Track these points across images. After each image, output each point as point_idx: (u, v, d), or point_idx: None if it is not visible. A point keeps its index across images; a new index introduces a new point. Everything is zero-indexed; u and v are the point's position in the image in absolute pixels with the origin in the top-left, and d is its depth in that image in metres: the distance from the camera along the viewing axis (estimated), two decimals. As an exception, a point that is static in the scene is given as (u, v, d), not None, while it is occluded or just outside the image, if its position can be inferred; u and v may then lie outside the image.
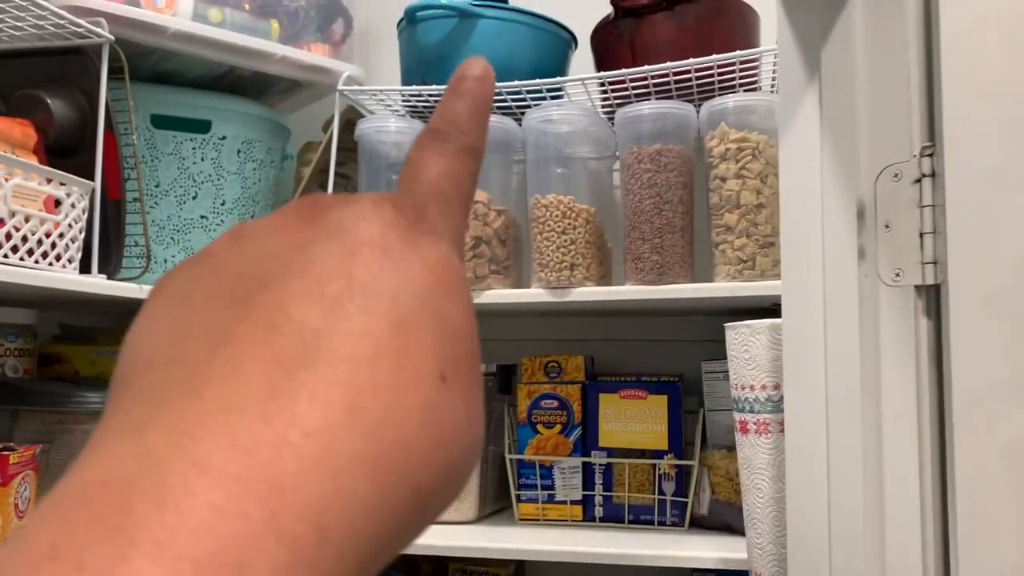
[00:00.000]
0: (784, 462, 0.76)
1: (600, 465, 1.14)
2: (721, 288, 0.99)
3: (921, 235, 0.58)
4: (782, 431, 0.76)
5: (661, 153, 1.04)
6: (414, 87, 1.14)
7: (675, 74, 1.07)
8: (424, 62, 1.16)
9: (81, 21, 0.95)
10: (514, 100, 1.15)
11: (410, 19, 1.17)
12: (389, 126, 1.14)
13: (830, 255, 0.64)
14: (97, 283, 0.98)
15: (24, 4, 0.90)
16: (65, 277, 0.93)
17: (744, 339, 0.78)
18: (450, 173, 0.23)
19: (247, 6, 1.12)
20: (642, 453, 1.13)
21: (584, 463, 1.14)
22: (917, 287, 0.58)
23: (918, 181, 0.58)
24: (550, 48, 1.19)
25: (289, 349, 0.17)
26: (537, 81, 1.10)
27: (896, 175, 0.60)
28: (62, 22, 0.94)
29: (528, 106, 1.15)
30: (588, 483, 1.14)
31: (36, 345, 1.15)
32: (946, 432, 0.54)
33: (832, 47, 0.64)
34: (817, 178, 0.65)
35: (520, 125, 1.13)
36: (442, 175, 0.22)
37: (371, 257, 0.19)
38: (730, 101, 1.03)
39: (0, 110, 1.01)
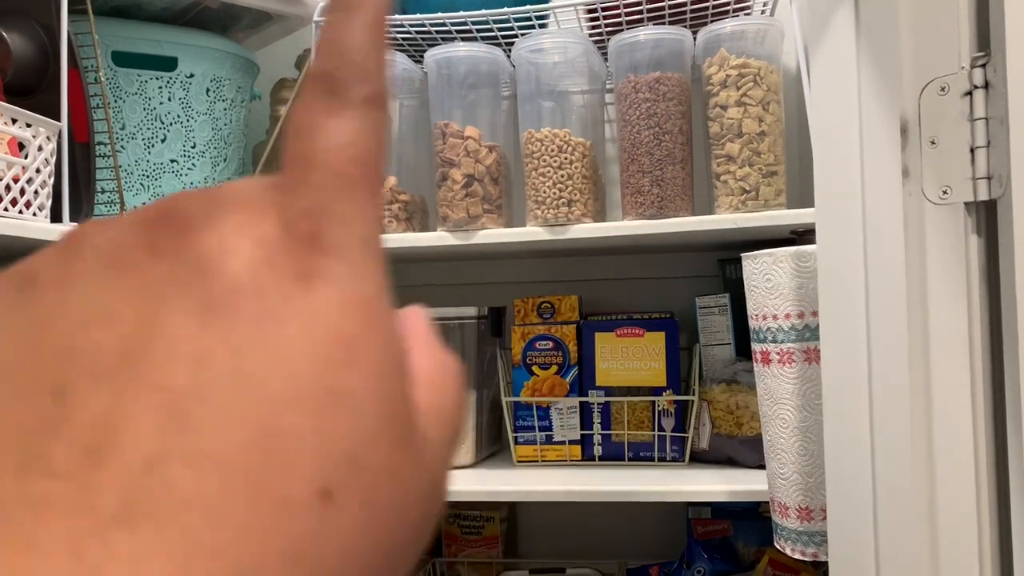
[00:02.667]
0: (809, 392, 0.74)
1: (598, 404, 1.12)
2: (725, 219, 0.97)
3: (972, 150, 0.56)
4: (807, 360, 0.75)
5: (660, 81, 1.01)
6: (394, 17, 1.08)
7: (670, -1, 1.03)
8: (404, -9, 1.10)
9: (36, -55, 0.87)
10: (501, 30, 1.10)
11: (387, -55, 1.11)
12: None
13: (870, 175, 0.62)
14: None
15: (-28, -75, 0.81)
16: (36, 226, 0.87)
17: (766, 268, 0.76)
18: (355, 143, 0.16)
19: (212, -69, 1.04)
20: (639, 391, 1.11)
21: (582, 403, 1.12)
22: (967, 204, 0.56)
23: (968, 94, 0.56)
24: (535, -25, 1.14)
25: (108, 490, 0.13)
26: (527, 8, 1.05)
27: (943, 88, 0.57)
28: (15, -54, 0.86)
29: (516, 35, 1.10)
30: (586, 423, 1.13)
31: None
32: (1005, 355, 0.53)
33: (870, -45, 0.61)
34: (854, 94, 0.62)
35: (508, 56, 1.08)
36: (345, 148, 0.16)
37: (235, 320, 0.14)
38: (728, 26, 1.00)
39: (-52, 46, 0.92)
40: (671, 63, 1.01)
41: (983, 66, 0.55)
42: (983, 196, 0.55)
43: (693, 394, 1.09)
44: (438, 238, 1.05)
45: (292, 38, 1.26)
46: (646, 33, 1.01)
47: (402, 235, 1.06)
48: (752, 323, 0.79)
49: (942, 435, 0.58)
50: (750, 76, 0.98)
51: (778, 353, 0.75)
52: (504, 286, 1.33)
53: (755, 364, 0.80)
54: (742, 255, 0.81)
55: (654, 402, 1.10)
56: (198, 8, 1.12)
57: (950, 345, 0.58)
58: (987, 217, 0.57)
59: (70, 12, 0.94)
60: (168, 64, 1.11)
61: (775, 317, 0.75)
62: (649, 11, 1.05)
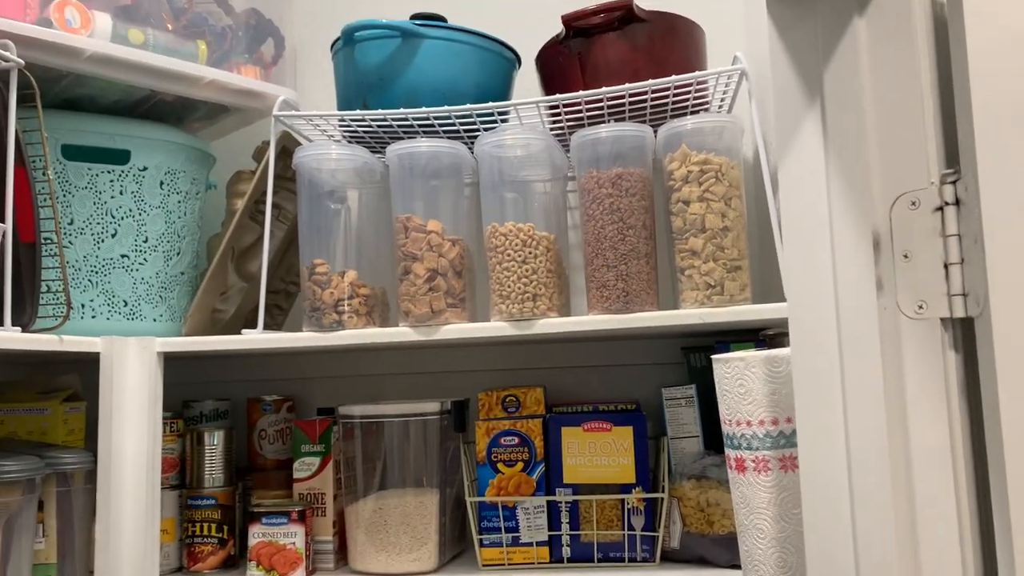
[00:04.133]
0: (787, 500, 0.72)
1: (566, 503, 1.09)
2: (692, 315, 0.96)
3: (946, 266, 0.56)
4: (783, 468, 0.73)
5: (622, 177, 1.01)
6: (357, 112, 1.07)
7: (631, 95, 1.04)
8: (365, 85, 1.10)
9: (-14, 44, 0.85)
10: (463, 124, 1.10)
11: (347, 39, 1.11)
12: (331, 153, 1.07)
13: (843, 286, 0.61)
14: (10, 337, 0.87)
15: (-82, 24, 0.79)
16: (-25, 332, 0.82)
17: (738, 373, 0.74)
18: None
19: (170, 26, 1.03)
20: (607, 488, 1.08)
21: (549, 502, 1.09)
22: (943, 320, 0.56)
23: (939, 209, 0.56)
24: (495, 68, 1.14)
25: None
26: (490, 104, 1.05)
27: (913, 203, 0.58)
28: (-37, 45, 0.83)
29: (477, 130, 1.09)
30: (554, 522, 1.09)
31: (-67, 406, 1.02)
32: (990, 471, 0.52)
33: (835, 68, 0.62)
34: (824, 205, 0.62)
35: (470, 150, 1.07)
36: None
37: None
38: (688, 123, 1.01)
39: None
40: (633, 158, 1.02)
41: (953, 183, 0.55)
42: (959, 313, 0.55)
43: (663, 491, 1.07)
44: (400, 333, 1.02)
45: (251, 128, 1.24)
46: (607, 129, 1.02)
47: (362, 331, 1.03)
48: (725, 428, 0.77)
49: (928, 550, 0.57)
50: (712, 172, 0.99)
51: (753, 461, 0.74)
52: (467, 375, 1.30)
53: (729, 471, 0.78)
54: (713, 357, 0.79)
55: (623, 500, 1.08)
56: (153, 100, 1.10)
57: (933, 460, 0.56)
58: (964, 332, 0.56)
59: (19, 105, 0.91)
60: (120, 157, 1.08)
61: (748, 423, 0.74)
62: (610, 107, 1.06)
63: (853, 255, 0.60)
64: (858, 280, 0.60)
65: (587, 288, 1.03)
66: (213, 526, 1.16)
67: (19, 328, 0.90)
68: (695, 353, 1.18)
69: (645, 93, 1.04)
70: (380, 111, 1.06)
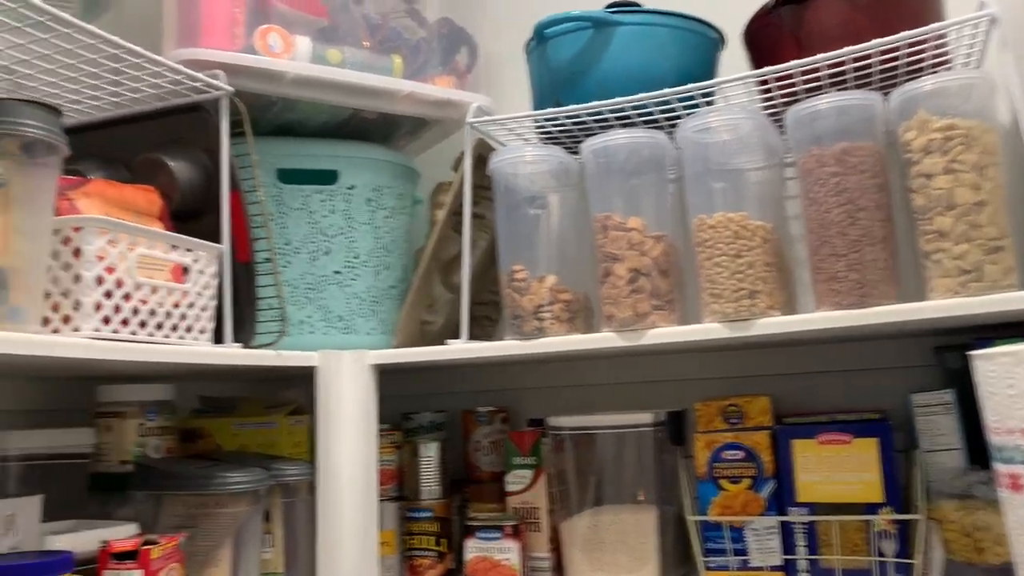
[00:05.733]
0: (1083, 528, 0.58)
1: (801, 524, 0.97)
2: (942, 307, 0.82)
3: None
4: (1076, 487, 0.58)
5: (848, 152, 0.89)
6: (548, 111, 1.03)
7: (854, 60, 0.91)
8: (557, 82, 1.05)
9: (198, 74, 0.90)
10: (662, 112, 1.02)
11: (539, 37, 1.07)
12: (524, 156, 1.03)
13: None
14: (232, 353, 0.91)
15: (139, 62, 0.84)
16: (197, 350, 0.86)
17: (1006, 371, 0.61)
18: None
19: (366, 43, 1.04)
20: (850, 508, 0.95)
21: (782, 523, 0.98)
22: None
23: None
24: (696, 50, 1.06)
25: None
26: (690, 86, 0.96)
27: None
28: (179, 77, 0.89)
29: (678, 116, 1.01)
30: (788, 546, 0.98)
31: (176, 421, 1.10)
32: None
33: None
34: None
35: (671, 138, 1.00)
36: None
37: None
38: (927, 84, 0.87)
39: (125, 177, 0.96)
40: (860, 131, 0.89)
41: None
42: None
43: (918, 512, 0.92)
44: (603, 339, 0.96)
45: (452, 140, 1.24)
46: (827, 101, 0.90)
47: (564, 338, 0.98)
48: (993, 438, 0.64)
49: None
50: (958, 139, 0.84)
51: (1033, 478, 0.60)
52: (683, 384, 1.22)
53: (1000, 489, 0.64)
54: (972, 354, 0.66)
55: (869, 522, 0.94)
56: (356, 120, 1.12)
57: None
58: None
59: (233, 136, 0.95)
60: (329, 177, 1.11)
61: (1023, 432, 0.60)
62: (829, 76, 0.94)
63: None
64: None
65: (813, 282, 0.91)
66: (431, 539, 1.16)
67: (240, 344, 0.94)
68: (951, 352, 1.02)
69: (870, 56, 0.91)
70: (572, 107, 1.01)
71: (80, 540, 0.83)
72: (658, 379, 1.24)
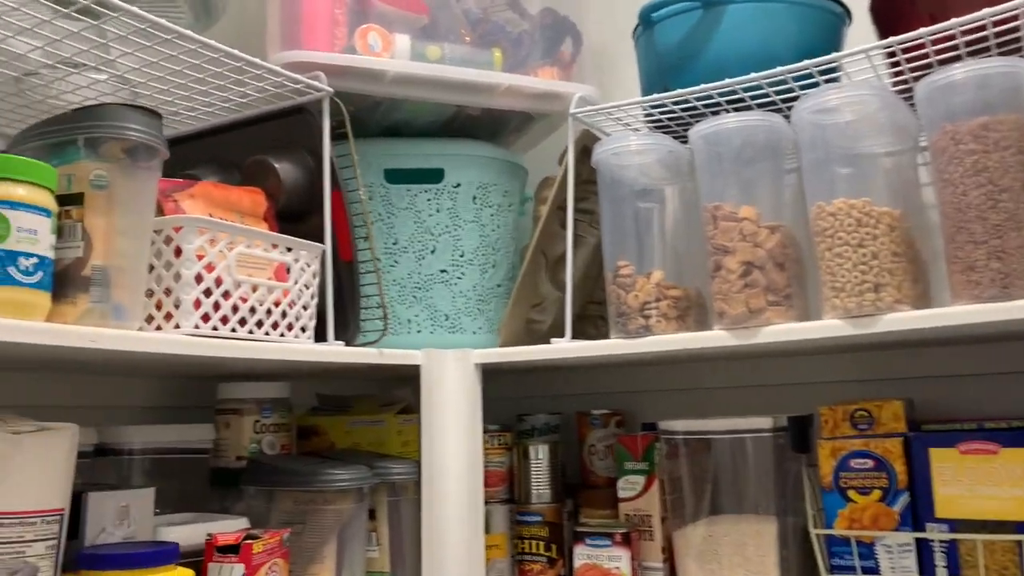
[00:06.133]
0: None
1: (941, 543, 0.87)
2: (1104, 298, 0.71)
3: None
4: None
5: (987, 127, 0.79)
6: (652, 97, 0.98)
7: (995, 24, 0.81)
8: (664, 67, 1.00)
9: (299, 76, 0.91)
10: (779, 93, 0.95)
11: (645, 22, 1.02)
12: (629, 145, 0.99)
13: None
14: (333, 351, 0.92)
15: (242, 67, 0.86)
16: (297, 347, 0.87)
17: None
18: None
19: (467, 39, 1.03)
20: (999, 526, 0.85)
21: (918, 540, 0.88)
22: None
23: None
24: (817, 26, 0.98)
25: None
26: (806, 63, 0.89)
27: None
28: (280, 80, 0.90)
29: (795, 97, 0.94)
30: (925, 565, 0.88)
31: (292, 419, 1.12)
32: None
33: None
34: None
35: (788, 121, 0.92)
36: None
37: None
38: (1084, 44, 0.76)
39: (238, 180, 0.99)
40: (1003, 103, 0.79)
41: None
42: None
43: (1080, 534, 0.81)
44: (714, 337, 0.90)
45: (559, 134, 1.21)
46: (964, 70, 0.80)
47: (671, 336, 0.93)
48: None
49: None
50: (1124, 103, 0.73)
51: None
52: (809, 387, 1.13)
53: None
54: None
55: (1021, 542, 0.83)
56: (462, 117, 1.11)
57: None
58: None
59: (339, 138, 0.96)
60: (435, 176, 1.11)
61: None
62: (967, 43, 0.84)
63: None
64: None
65: (948, 273, 0.82)
66: (541, 544, 1.13)
67: (343, 342, 0.94)
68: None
69: (1016, 18, 0.81)
70: (679, 91, 0.95)
71: (189, 532, 0.86)
72: (782, 382, 1.16)
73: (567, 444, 1.28)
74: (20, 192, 0.65)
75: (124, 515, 0.84)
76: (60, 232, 0.70)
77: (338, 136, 0.96)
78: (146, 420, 1.10)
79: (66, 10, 0.74)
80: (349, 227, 0.96)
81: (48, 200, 0.67)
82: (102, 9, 0.74)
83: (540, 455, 1.16)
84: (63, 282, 0.70)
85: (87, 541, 0.80)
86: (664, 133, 1.05)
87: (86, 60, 0.85)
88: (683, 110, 1.00)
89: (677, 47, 1.00)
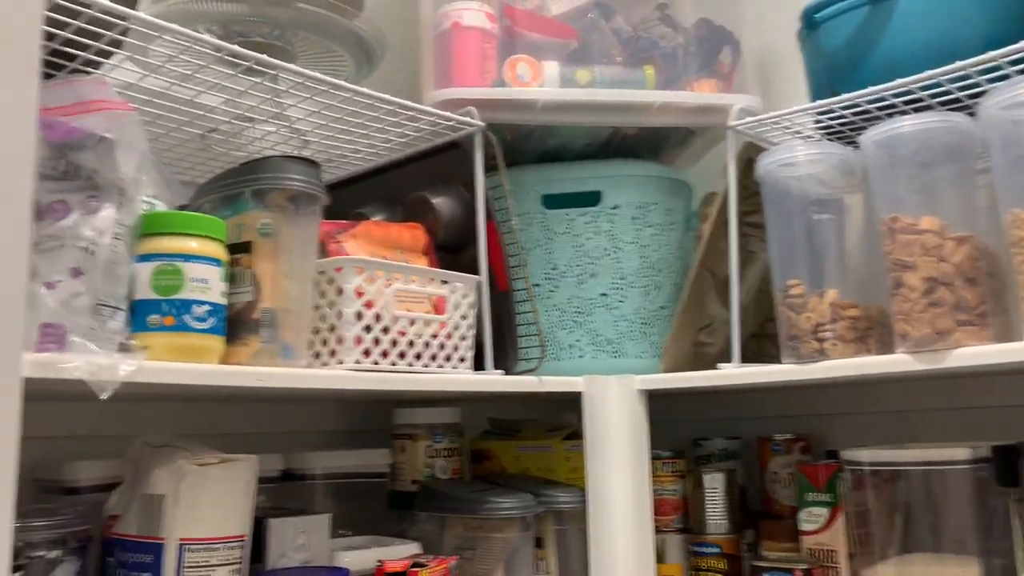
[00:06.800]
0: None
1: None
2: None
3: None
4: None
5: None
6: (818, 103, 0.91)
7: None
8: (832, 69, 0.94)
9: (451, 114, 0.93)
10: (963, 90, 0.86)
11: (809, 23, 0.96)
12: (796, 155, 0.93)
13: None
14: (492, 380, 0.93)
15: (395, 109, 0.90)
16: (456, 377, 0.89)
17: None
18: None
19: (619, 58, 1.01)
20: None
21: None
22: None
23: None
24: (1006, 12, 0.88)
25: None
26: (991, 54, 0.80)
27: None
28: (433, 118, 0.93)
29: (982, 92, 0.84)
30: None
31: (463, 443, 1.14)
32: None
33: None
34: None
35: (974, 119, 0.83)
36: None
37: None
38: None
39: (401, 215, 1.03)
40: None
41: None
42: None
43: None
44: (894, 362, 0.82)
45: (721, 148, 1.16)
46: None
47: (848, 361, 0.86)
48: None
49: None
50: None
51: None
52: (1013, 411, 1.01)
53: None
54: None
55: None
56: (619, 137, 1.10)
57: None
58: None
59: (492, 169, 0.98)
60: (592, 199, 1.10)
61: None
62: None
63: None
64: None
65: None
66: (718, 576, 1.08)
67: (502, 371, 0.95)
68: None
69: None
70: (847, 95, 0.88)
71: (362, 558, 0.89)
72: (985, 404, 1.04)
73: (748, 469, 1.22)
74: (192, 245, 0.71)
75: (302, 541, 0.89)
76: (232, 279, 0.75)
77: (491, 167, 0.97)
78: (328, 444, 1.16)
79: (246, 63, 0.80)
80: (504, 257, 0.96)
81: (218, 250, 0.73)
82: (268, 68, 0.80)
83: (715, 484, 1.11)
84: (236, 325, 0.75)
85: (269, 565, 0.85)
86: (838, 139, 0.98)
87: (259, 115, 0.91)
88: (854, 114, 0.93)
89: (845, 47, 0.93)
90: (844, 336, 0.89)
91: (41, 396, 0.74)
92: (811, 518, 1.03)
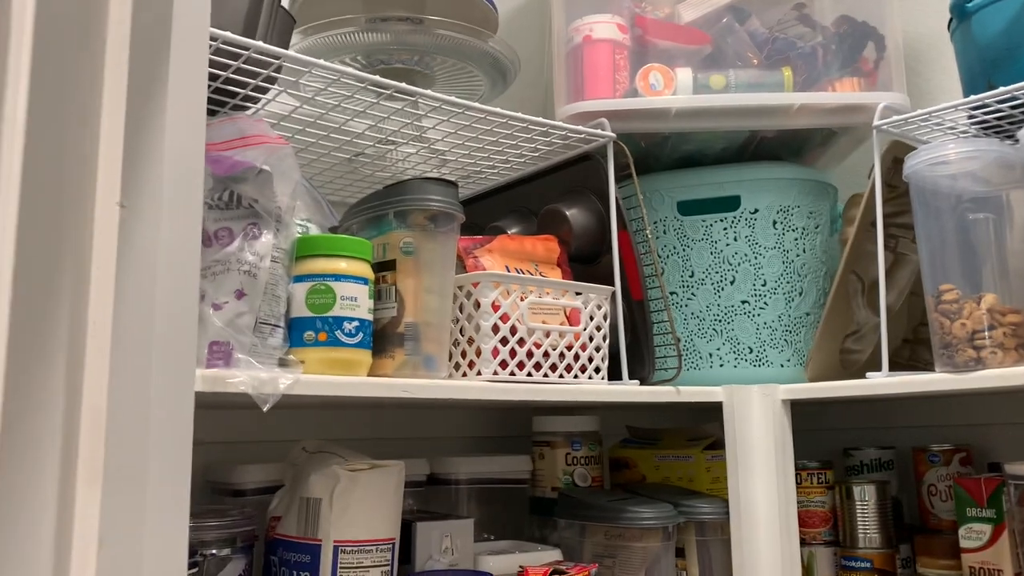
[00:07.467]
0: None
1: None
2: None
3: None
4: None
5: None
6: (974, 97, 0.86)
7: None
8: (986, 61, 0.88)
9: (581, 127, 0.94)
10: None
11: (960, 14, 0.91)
12: (947, 152, 0.88)
13: None
14: (628, 391, 0.93)
15: (527, 126, 0.92)
16: (592, 388, 0.90)
17: None
18: None
19: (755, 61, 0.99)
20: None
21: None
22: None
23: None
24: None
25: None
26: None
27: None
28: (564, 132, 0.94)
29: None
30: None
31: (601, 451, 1.15)
32: None
33: None
34: None
35: None
36: None
37: None
38: None
39: (532, 230, 1.05)
40: None
41: None
42: None
43: None
44: (1061, 373, 0.77)
45: (866, 147, 1.11)
46: None
47: (1008, 371, 0.81)
48: None
49: None
50: None
51: None
52: None
53: None
54: None
55: None
56: (757, 140, 1.07)
57: None
58: None
59: (625, 178, 0.98)
60: (730, 204, 1.08)
61: None
62: None
63: None
64: None
65: None
66: (871, 593, 1.04)
67: (638, 381, 0.95)
68: None
69: None
70: (1004, 88, 0.83)
71: (504, 562, 0.92)
72: None
73: (904, 481, 1.16)
74: (342, 265, 0.75)
75: (448, 544, 0.92)
76: (378, 295, 0.80)
77: (624, 176, 0.98)
78: (470, 449, 1.20)
79: (388, 91, 0.84)
80: (639, 266, 0.97)
81: (365, 270, 0.77)
82: (408, 95, 0.84)
83: (866, 496, 1.07)
84: (382, 339, 0.79)
85: (416, 567, 0.89)
86: (988, 132, 0.92)
87: (401, 138, 0.96)
88: (1012, 107, 0.87)
89: (1001, 36, 0.88)
90: (1004, 343, 0.83)
91: (210, 405, 0.81)
92: (972, 535, 0.97)
